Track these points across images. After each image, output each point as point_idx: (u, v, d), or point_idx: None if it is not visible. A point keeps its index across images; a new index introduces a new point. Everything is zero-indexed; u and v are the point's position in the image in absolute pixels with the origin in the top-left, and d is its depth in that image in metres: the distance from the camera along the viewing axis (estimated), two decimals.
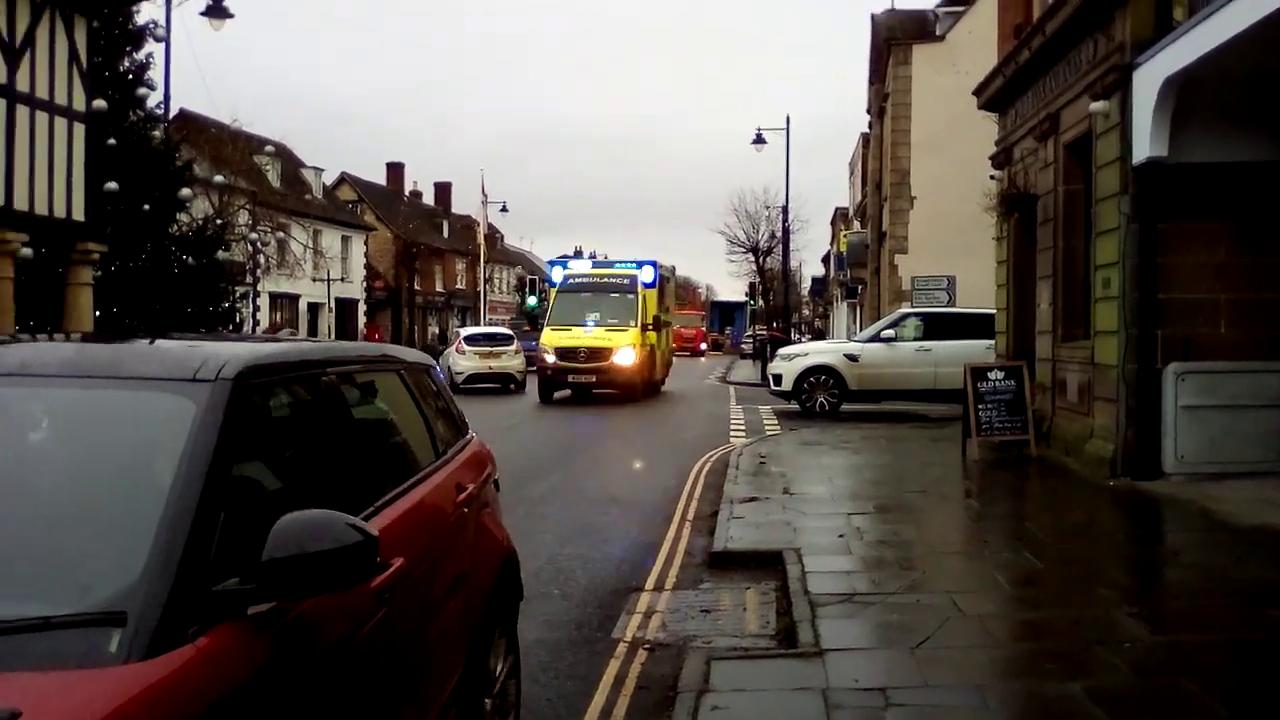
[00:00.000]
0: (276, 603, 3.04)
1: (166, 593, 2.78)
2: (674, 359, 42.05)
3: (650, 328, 32.42)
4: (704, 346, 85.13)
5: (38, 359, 3.86)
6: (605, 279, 33.85)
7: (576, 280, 33.97)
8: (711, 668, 6.80)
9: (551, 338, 31.41)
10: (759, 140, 44.64)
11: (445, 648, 4.66)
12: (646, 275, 33.87)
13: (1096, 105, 14.24)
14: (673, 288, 42.11)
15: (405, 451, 5.12)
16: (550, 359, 30.85)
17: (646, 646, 7.66)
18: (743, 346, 75.65)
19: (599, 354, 30.67)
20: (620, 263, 36.00)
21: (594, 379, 30.58)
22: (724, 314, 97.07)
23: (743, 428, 23.64)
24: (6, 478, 3.27)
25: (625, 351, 30.89)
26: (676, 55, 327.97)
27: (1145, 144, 13.15)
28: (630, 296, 32.58)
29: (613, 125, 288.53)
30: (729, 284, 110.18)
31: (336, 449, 4.04)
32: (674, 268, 40.92)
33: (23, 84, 15.78)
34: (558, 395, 31.09)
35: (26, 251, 16.65)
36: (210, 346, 3.97)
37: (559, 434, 22.37)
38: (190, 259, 24.70)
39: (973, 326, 24.11)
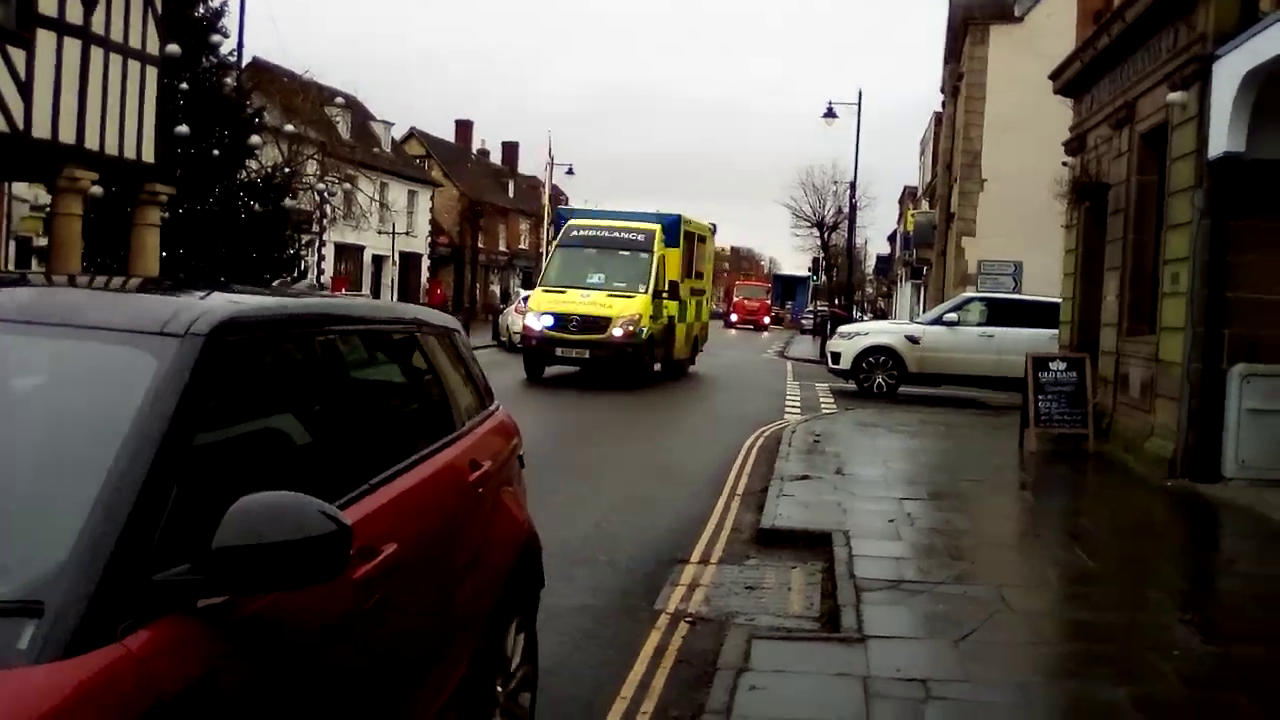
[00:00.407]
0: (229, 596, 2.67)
1: (95, 580, 2.38)
2: (732, 331, 40.90)
3: (667, 294, 26.74)
4: (768, 320, 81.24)
5: None
6: (614, 233, 27.32)
7: (580, 233, 27.67)
8: (752, 646, 6.76)
9: (541, 300, 25.81)
10: (830, 114, 44.29)
11: (447, 644, 4.26)
12: (668, 232, 27.82)
13: (1174, 96, 13.95)
14: (710, 250, 34.60)
15: (414, 423, 4.73)
16: (536, 326, 25.20)
17: (688, 620, 7.65)
18: (803, 321, 75.28)
19: (595, 324, 24.73)
20: (636, 214, 29.14)
21: (587, 354, 24.84)
22: (785, 287, 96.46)
23: (798, 404, 23.54)
24: None
25: (627, 322, 24.86)
26: (753, 27, 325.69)
27: (1222, 138, 12.84)
28: (643, 256, 26.55)
29: (686, 95, 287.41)
30: (793, 258, 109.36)
31: (329, 420, 3.65)
32: (714, 226, 34.52)
33: (98, 26, 15.94)
34: (550, 371, 25.99)
35: (96, 190, 16.86)
36: (189, 297, 3.64)
37: (613, 399, 22.35)
38: (257, 205, 24.93)
39: (1037, 314, 23.79)
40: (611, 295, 25.45)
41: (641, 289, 25.83)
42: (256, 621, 2.79)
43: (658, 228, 27.23)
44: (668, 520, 10.97)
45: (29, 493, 2.64)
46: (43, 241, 27.84)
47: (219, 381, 2.98)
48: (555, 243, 28.55)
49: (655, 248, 26.68)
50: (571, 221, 28.59)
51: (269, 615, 2.82)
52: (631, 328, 24.88)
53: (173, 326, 2.99)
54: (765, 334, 70.43)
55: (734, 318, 79.38)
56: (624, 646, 7.01)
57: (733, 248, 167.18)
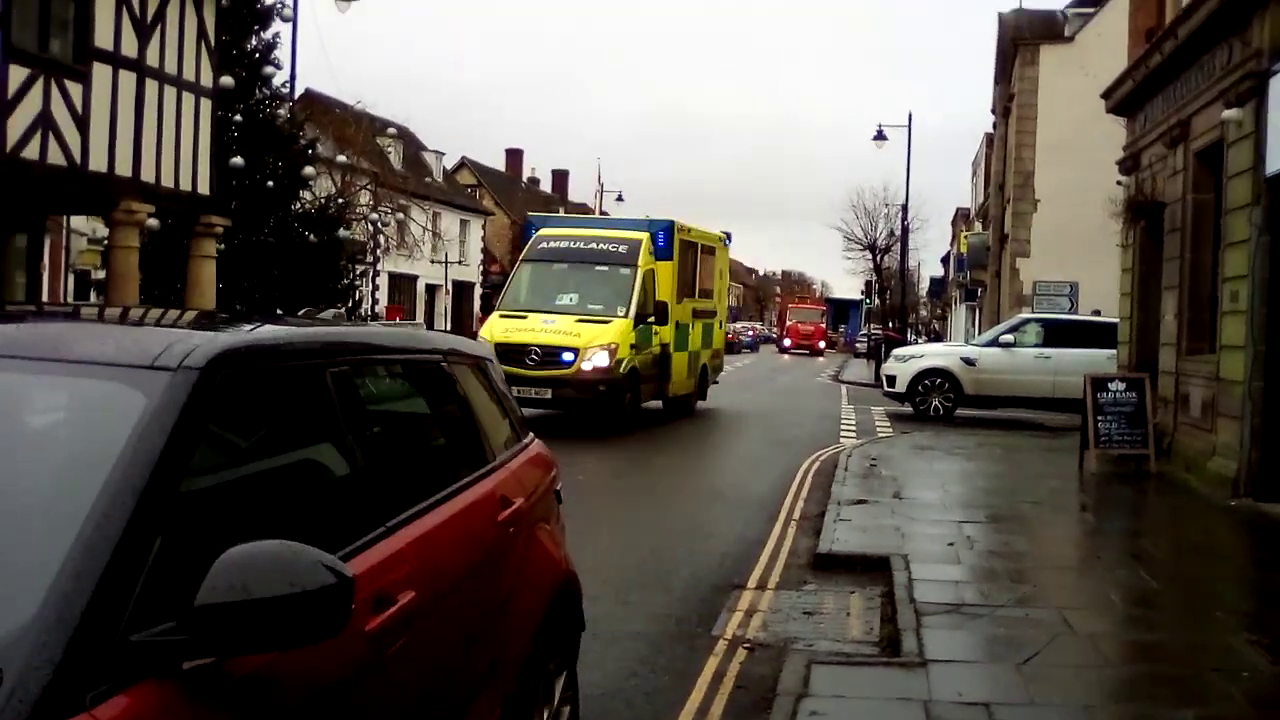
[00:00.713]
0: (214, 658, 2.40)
1: (63, 644, 2.14)
2: (786, 357, 39.26)
3: (654, 319, 21.59)
4: (823, 345, 78.33)
5: None
6: (590, 244, 22.25)
7: (549, 245, 22.52)
8: (812, 671, 6.72)
9: (494, 328, 20.84)
10: (880, 136, 44.18)
11: (475, 693, 3.99)
12: (657, 241, 22.69)
13: (1229, 113, 13.79)
14: (721, 264, 27.98)
15: (440, 458, 4.47)
16: None
17: (746, 645, 7.61)
18: (856, 345, 74.81)
19: (558, 357, 19.86)
20: (620, 221, 26.03)
21: (549, 393, 19.68)
22: (838, 311, 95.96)
23: (854, 428, 23.40)
24: None
25: (600, 353, 19.98)
26: (802, 50, 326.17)
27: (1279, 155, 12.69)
28: (624, 272, 21.49)
29: (733, 122, 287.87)
30: (844, 281, 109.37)
31: (342, 458, 3.39)
32: (727, 235, 28.42)
33: (152, 59, 16.17)
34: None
35: (153, 223, 17.13)
36: (187, 329, 3.42)
37: (666, 423, 22.31)
38: (311, 236, 25.17)
39: (1094, 335, 23.57)
40: (583, 321, 20.38)
41: (620, 312, 20.81)
42: (252, 683, 2.53)
43: (644, 237, 22.18)
44: (724, 545, 10.92)
45: None
46: (100, 274, 28.29)
47: (215, 419, 2.77)
48: (521, 257, 23.34)
49: (640, 261, 21.65)
50: (541, 231, 23.15)
51: (266, 675, 2.57)
52: (605, 361, 19.98)
53: (165, 359, 2.76)
54: (820, 359, 69.40)
55: (787, 342, 78.36)
56: (681, 673, 6.98)
57: (784, 271, 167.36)
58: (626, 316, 20.77)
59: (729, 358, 60.79)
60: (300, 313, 9.53)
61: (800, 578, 9.67)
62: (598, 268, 21.82)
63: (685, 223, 24.53)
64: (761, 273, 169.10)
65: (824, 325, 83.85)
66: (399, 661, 3.22)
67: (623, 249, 21.95)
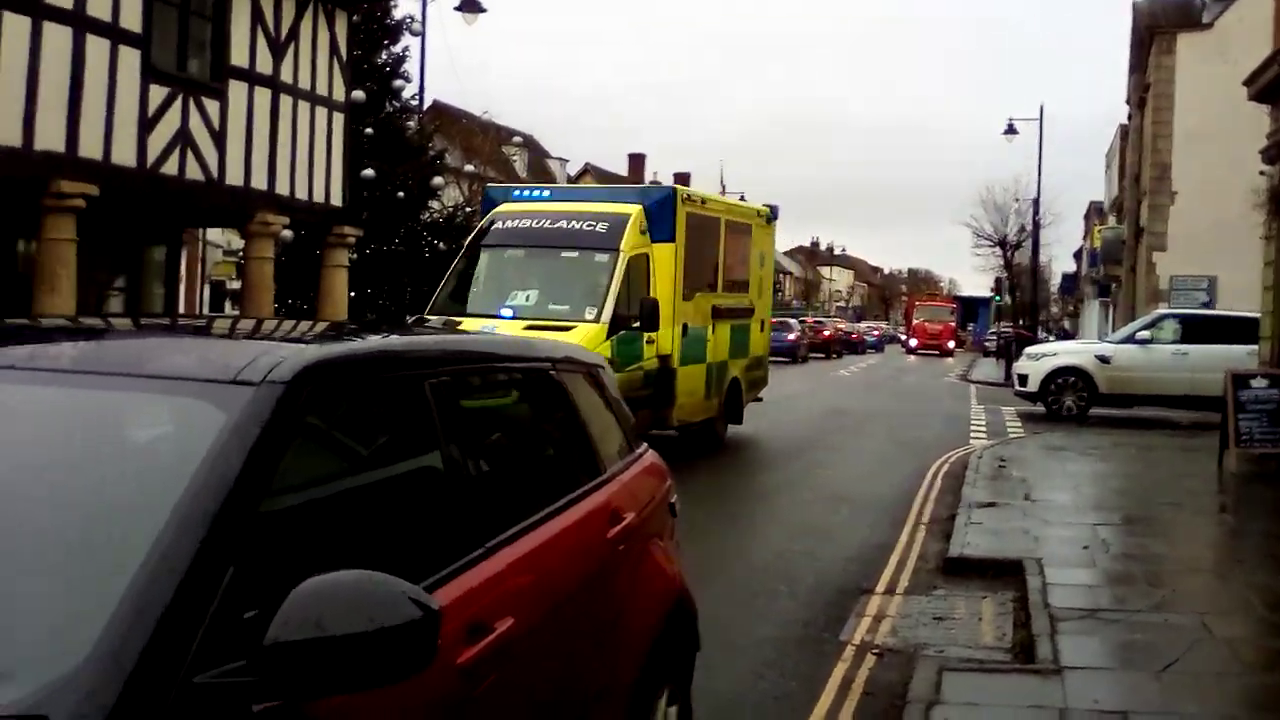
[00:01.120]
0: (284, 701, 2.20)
1: (118, 689, 1.96)
2: (912, 358, 37.65)
3: (639, 324, 15.41)
4: (952, 345, 74.11)
5: (50, 350, 3.06)
6: (559, 223, 16.42)
7: (506, 225, 16.73)
8: (943, 678, 6.63)
9: None
10: (1010, 130, 43.48)
11: None
12: (654, 216, 16.50)
13: None
14: (762, 247, 20.70)
15: (546, 472, 4.23)
16: None
17: (875, 651, 7.54)
18: (985, 344, 73.31)
19: None
20: (601, 191, 21.11)
21: None
22: (967, 309, 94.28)
23: (983, 429, 23.05)
24: None
25: None
26: (925, 47, 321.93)
27: None
28: (600, 259, 15.79)
29: (856, 122, 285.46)
30: (973, 278, 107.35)
31: (438, 475, 3.20)
32: (772, 210, 21.35)
33: (286, 75, 16.66)
34: None
35: (287, 234, 17.64)
36: (278, 342, 3.26)
37: (787, 425, 22.20)
38: (441, 245, 25.57)
39: (1234, 330, 22.84)
40: (537, 327, 13.91)
41: (590, 314, 15.09)
42: None
43: (633, 211, 16.18)
44: (850, 549, 10.84)
45: (48, 579, 2.23)
46: (236, 285, 29.11)
47: (300, 436, 2.61)
48: (466, 243, 17.42)
49: (625, 243, 15.73)
50: (499, 209, 17.12)
51: (347, 714, 2.35)
52: None
53: (248, 373, 2.59)
54: (949, 359, 66.81)
55: (913, 343, 76.03)
56: (808, 679, 6.94)
57: (910, 269, 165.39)
58: (598, 320, 14.98)
59: (852, 358, 60.51)
60: (410, 320, 9.56)
61: (930, 582, 9.56)
62: (564, 254, 16.02)
63: (698, 191, 19.56)
64: (887, 271, 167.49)
65: (953, 323, 80.00)
66: (494, 695, 3.01)
67: (600, 228, 16.00)
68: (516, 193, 17.63)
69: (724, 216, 18.79)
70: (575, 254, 15.97)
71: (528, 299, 15.56)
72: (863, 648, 7.62)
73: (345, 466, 3.00)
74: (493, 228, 16.65)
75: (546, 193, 17.05)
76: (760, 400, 20.71)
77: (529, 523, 3.55)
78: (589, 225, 16.09)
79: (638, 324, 15.34)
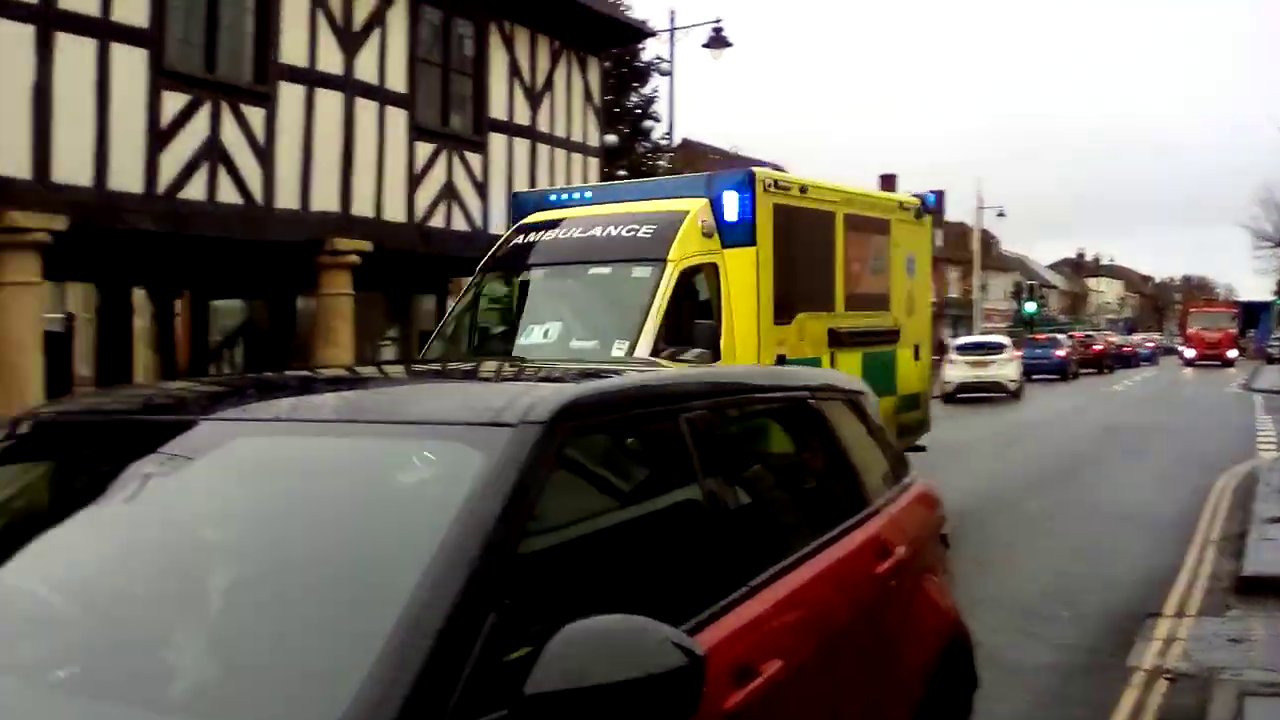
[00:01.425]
0: None
1: None
2: (1188, 371, 35.76)
3: (699, 350, 10.49)
4: (1233, 354, 68.47)
5: (313, 401, 3.15)
6: (592, 230, 11.42)
7: (526, 241, 11.83)
8: (1245, 704, 6.33)
9: None
10: None
11: None
12: (716, 212, 11.30)
13: None
14: (914, 247, 14.58)
15: (808, 506, 4.10)
16: None
17: (1167, 676, 7.24)
18: (1269, 350, 69.17)
19: None
20: (654, 186, 12.83)
21: None
22: (1247, 314, 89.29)
23: (1273, 440, 21.83)
24: (183, 560, 2.51)
25: None
26: (1187, 51, 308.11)
27: None
28: (640, 273, 10.82)
29: (1116, 125, 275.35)
30: (1253, 281, 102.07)
31: (697, 512, 3.09)
32: (928, 200, 16.11)
33: (543, 124, 17.28)
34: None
35: None
36: (537, 383, 3.28)
37: (1060, 443, 21.53)
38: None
39: None
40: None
41: (620, 348, 10.33)
42: None
43: (694, 207, 11.23)
44: (1134, 570, 10.43)
45: (303, 626, 2.22)
46: None
47: (558, 476, 2.56)
48: (480, 264, 12.27)
49: (675, 250, 10.86)
50: (527, 219, 12.17)
51: None
52: None
53: (507, 414, 2.56)
54: (1230, 369, 62.17)
55: (1190, 353, 70.64)
56: (1097, 706, 6.72)
57: (1184, 276, 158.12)
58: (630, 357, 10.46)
59: (1125, 372, 57.90)
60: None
61: (1223, 603, 9.10)
62: (592, 270, 11.33)
63: (793, 176, 13.10)
64: (1158, 280, 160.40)
65: (1233, 330, 74.41)
66: None
67: (645, 232, 11.19)
68: (552, 196, 12.95)
69: (840, 210, 13.04)
70: (607, 270, 11.26)
71: (545, 334, 11.00)
72: (1154, 673, 7.31)
73: (603, 506, 2.96)
74: (512, 243, 11.99)
75: (589, 194, 12.75)
76: (923, 450, 13.60)
77: (792, 559, 3.43)
78: (629, 231, 11.31)
79: (693, 356, 10.47)
